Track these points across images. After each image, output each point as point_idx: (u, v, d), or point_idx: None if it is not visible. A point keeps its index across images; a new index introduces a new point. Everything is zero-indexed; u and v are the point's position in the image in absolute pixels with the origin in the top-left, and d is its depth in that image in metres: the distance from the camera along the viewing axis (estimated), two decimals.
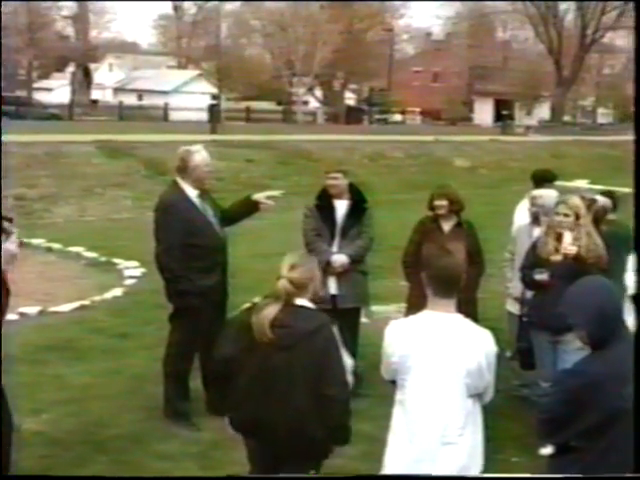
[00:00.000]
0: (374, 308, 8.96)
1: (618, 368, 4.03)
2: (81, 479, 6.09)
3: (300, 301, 4.64)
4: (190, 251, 7.00)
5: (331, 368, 4.51)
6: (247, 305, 4.84)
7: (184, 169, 7.15)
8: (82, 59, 56.84)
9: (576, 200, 7.06)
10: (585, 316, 4.10)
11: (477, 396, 4.40)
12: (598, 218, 7.71)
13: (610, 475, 4.13)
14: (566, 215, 6.83)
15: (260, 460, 4.90)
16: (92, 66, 63.44)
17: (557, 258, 6.83)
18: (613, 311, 4.10)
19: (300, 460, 4.68)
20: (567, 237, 6.79)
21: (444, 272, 4.36)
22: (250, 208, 7.68)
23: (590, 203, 7.70)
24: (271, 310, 4.59)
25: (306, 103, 67.99)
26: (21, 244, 6.26)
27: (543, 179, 9.06)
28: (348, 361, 4.71)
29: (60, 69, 73.78)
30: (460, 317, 4.41)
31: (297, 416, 4.55)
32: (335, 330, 4.67)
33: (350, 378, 4.70)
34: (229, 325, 5.04)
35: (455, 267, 4.41)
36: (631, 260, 7.65)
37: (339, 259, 7.84)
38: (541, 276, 6.87)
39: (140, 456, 6.60)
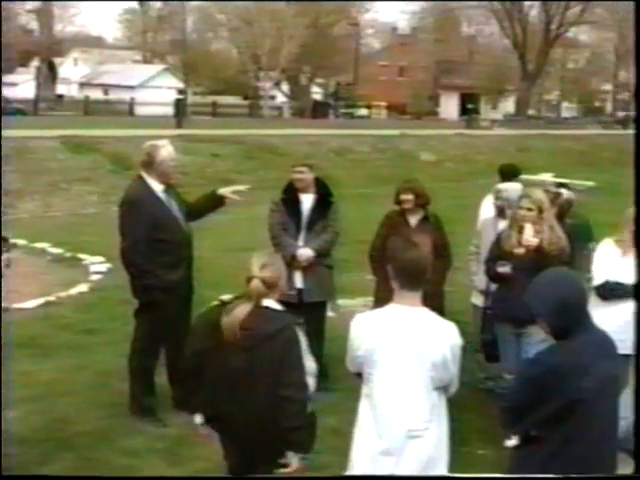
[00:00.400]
0: (340, 302, 8.99)
1: (578, 359, 4.06)
2: (81, 479, 6.07)
3: (267, 302, 4.64)
4: (155, 246, 6.97)
5: (289, 369, 4.50)
6: (216, 302, 4.84)
7: (150, 164, 7.12)
8: (47, 53, 56.31)
9: (539, 194, 7.11)
10: (547, 307, 4.14)
11: (442, 389, 4.42)
12: (562, 212, 7.79)
13: (610, 475, 4.18)
14: (529, 209, 6.88)
15: (232, 456, 4.90)
16: (57, 60, 62.87)
17: (520, 251, 6.87)
18: (575, 302, 4.11)
19: (270, 458, 4.68)
20: (528, 230, 6.83)
21: (410, 265, 4.36)
22: (216, 203, 7.66)
23: (554, 197, 7.76)
24: (242, 310, 4.59)
25: (273, 98, 67.85)
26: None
27: (510, 173, 9.16)
28: (311, 364, 4.69)
29: (24, 64, 73.11)
30: (425, 310, 4.42)
31: (257, 417, 4.57)
32: (300, 332, 4.66)
33: (312, 381, 4.69)
34: (198, 321, 5.02)
35: (421, 260, 4.40)
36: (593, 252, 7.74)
37: (305, 253, 7.84)
38: (504, 269, 6.91)
39: (106, 452, 6.57)
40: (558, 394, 4.03)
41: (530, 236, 6.80)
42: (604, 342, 4.21)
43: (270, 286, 4.61)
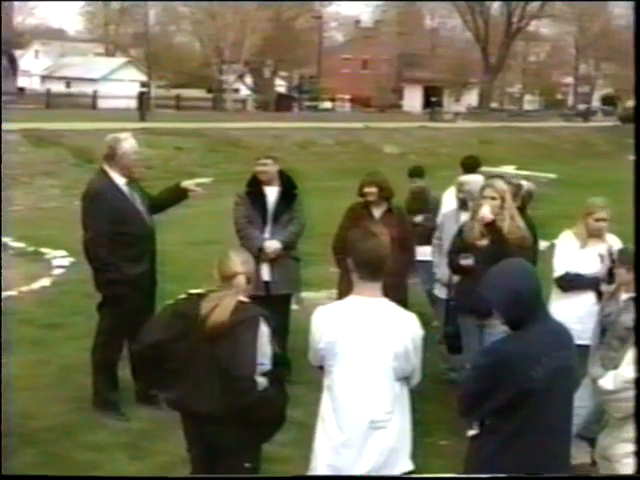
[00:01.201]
0: (304, 295, 9.00)
1: (529, 349, 4.09)
2: (81, 479, 6.03)
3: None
4: (118, 239, 6.95)
5: (238, 349, 4.53)
6: (183, 296, 4.86)
7: (112, 157, 7.08)
8: (7, 46, 55.64)
9: (502, 184, 7.17)
10: (500, 297, 4.18)
11: (404, 380, 4.44)
12: (523, 203, 7.86)
13: (610, 475, 4.22)
14: (493, 198, 6.92)
15: (195, 448, 4.90)
16: (17, 53, 62.23)
17: (483, 243, 6.92)
18: (528, 293, 4.13)
19: (233, 450, 4.69)
20: (485, 208, 6.87)
21: (368, 255, 4.36)
22: (179, 195, 7.64)
23: (516, 189, 7.83)
24: (229, 304, 4.62)
25: (236, 91, 67.66)
26: None
27: (472, 166, 9.27)
28: (267, 349, 4.70)
29: None
30: (386, 301, 4.43)
31: (219, 407, 4.57)
32: (263, 321, 4.68)
33: (267, 362, 4.70)
34: (162, 312, 5.03)
35: (379, 250, 4.39)
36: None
37: (271, 245, 7.85)
38: (467, 261, 6.95)
39: (68, 447, 6.54)
40: (509, 383, 4.06)
41: (487, 212, 6.84)
42: (558, 333, 4.23)
43: (250, 281, 4.72)
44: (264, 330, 4.67)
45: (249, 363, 4.56)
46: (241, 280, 4.66)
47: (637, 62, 6.20)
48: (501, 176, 8.77)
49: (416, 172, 10.37)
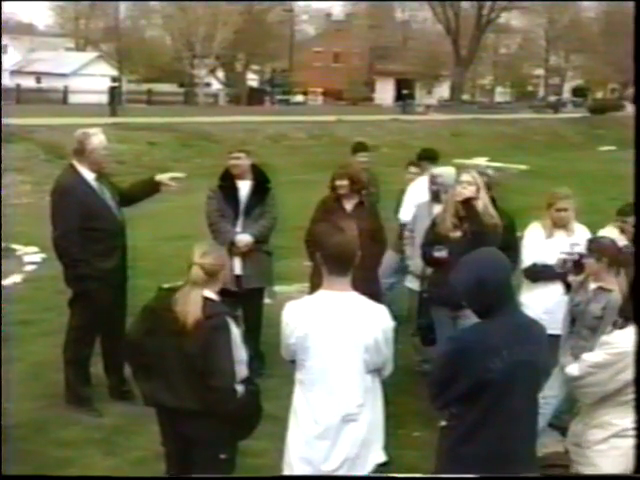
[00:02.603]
0: (277, 288, 8.99)
1: (488, 340, 4.10)
2: (81, 479, 5.99)
3: (207, 292, 4.63)
4: (88, 235, 6.91)
5: (215, 357, 4.51)
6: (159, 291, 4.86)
7: (81, 152, 7.04)
8: None
9: (474, 173, 7.22)
10: (465, 285, 4.20)
11: (376, 372, 4.46)
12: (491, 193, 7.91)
13: (611, 475, 4.23)
14: (469, 183, 6.96)
15: (169, 442, 4.90)
16: None
17: (456, 235, 6.95)
18: (493, 283, 4.12)
19: (206, 443, 4.70)
20: (459, 187, 6.92)
21: (336, 250, 4.36)
22: (151, 188, 7.62)
23: (488, 180, 7.87)
24: (180, 296, 4.60)
25: (208, 85, 67.46)
26: None
27: (428, 157, 9.34)
28: (242, 353, 4.71)
29: None
30: (355, 294, 4.44)
31: (189, 403, 4.58)
32: (231, 322, 4.66)
33: (244, 369, 4.71)
34: (142, 308, 5.01)
35: (347, 244, 4.39)
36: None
37: (243, 239, 7.85)
38: (440, 253, 6.98)
39: (42, 444, 6.51)
40: (467, 373, 4.08)
41: (464, 191, 6.88)
42: (525, 326, 4.22)
43: (210, 274, 4.62)
44: (235, 333, 4.66)
45: (227, 373, 4.54)
46: (196, 271, 4.59)
47: (637, 62, 6.24)
48: (475, 168, 8.81)
49: (360, 147, 10.29)
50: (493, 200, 7.55)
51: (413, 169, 9.45)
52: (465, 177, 7.07)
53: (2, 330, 8.50)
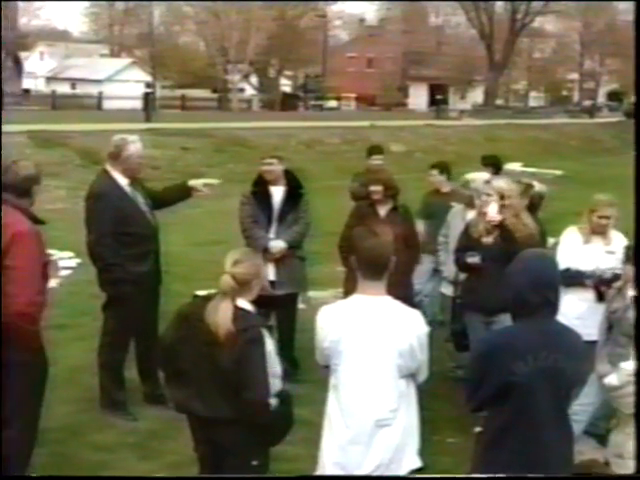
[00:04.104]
0: (311, 294, 8.99)
1: (516, 343, 4.08)
2: (81, 479, 6.03)
3: (240, 302, 4.56)
4: (122, 239, 6.96)
5: (250, 371, 4.46)
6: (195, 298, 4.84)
7: (116, 157, 7.09)
8: (12, 47, 55.65)
9: (501, 182, 7.19)
10: (507, 287, 4.17)
11: (410, 377, 4.45)
12: (534, 204, 7.85)
13: (611, 475, 4.20)
14: (489, 195, 6.96)
15: (201, 448, 4.90)
16: (22, 55, 62.25)
17: (489, 240, 6.93)
18: (525, 287, 4.07)
19: (238, 449, 4.69)
20: (492, 207, 6.89)
21: (370, 254, 4.36)
22: (184, 193, 7.65)
23: (525, 188, 7.82)
24: (212, 306, 4.55)
25: (242, 90, 67.68)
26: None
27: (492, 164, 9.33)
28: (276, 367, 4.67)
29: None
30: (389, 299, 4.43)
31: (221, 413, 4.56)
32: (266, 333, 4.62)
33: (278, 383, 4.67)
34: (175, 314, 5.00)
35: (381, 248, 4.39)
36: None
37: (277, 245, 7.85)
38: (473, 259, 6.95)
39: (77, 448, 6.55)
40: (493, 375, 4.06)
41: (494, 212, 6.85)
42: (554, 333, 4.16)
43: (241, 283, 4.52)
44: (270, 345, 4.62)
45: (262, 387, 4.50)
46: (226, 280, 4.50)
47: (637, 62, 6.20)
48: (512, 175, 8.80)
49: (375, 150, 10.35)
50: (531, 208, 7.53)
51: (434, 172, 9.44)
52: (485, 189, 7.05)
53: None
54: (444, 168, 9.50)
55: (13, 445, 5.51)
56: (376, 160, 9.89)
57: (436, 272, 8.96)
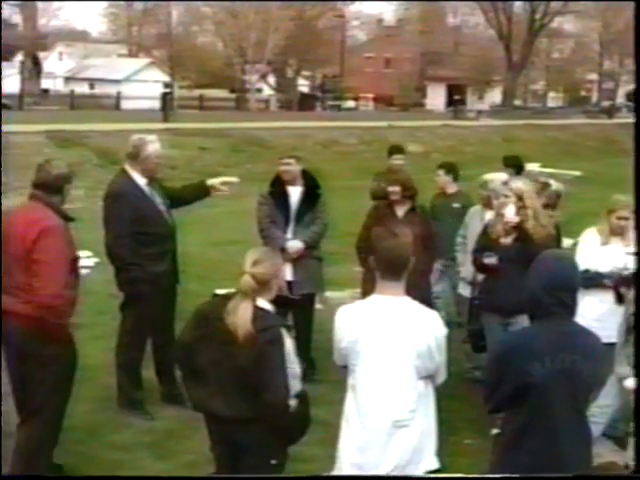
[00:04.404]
0: (328, 294, 9.00)
1: (533, 344, 4.06)
2: (80, 479, 6.04)
3: (259, 302, 4.56)
4: (140, 239, 6.98)
5: (269, 372, 4.46)
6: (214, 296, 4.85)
7: (135, 157, 7.11)
8: (31, 48, 55.96)
9: (519, 183, 7.16)
10: (527, 287, 4.15)
11: (429, 378, 4.43)
12: (551, 203, 7.81)
13: (609, 475, 4.18)
14: (506, 196, 6.94)
15: (218, 447, 4.90)
16: (41, 55, 62.50)
17: (507, 241, 6.90)
18: (542, 288, 4.07)
19: (256, 449, 4.69)
20: (510, 209, 6.87)
21: (389, 254, 4.35)
22: (202, 192, 7.67)
23: (542, 187, 7.79)
24: (232, 305, 4.55)
25: (259, 90, 67.73)
26: None
27: (515, 165, 9.30)
28: (295, 367, 4.67)
29: (8, 58, 72.67)
30: (408, 300, 4.42)
31: (239, 412, 4.56)
32: (285, 334, 4.63)
33: (297, 384, 4.67)
34: (193, 313, 5.00)
35: (400, 249, 4.38)
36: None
37: (294, 245, 7.86)
38: (490, 260, 6.93)
39: (95, 447, 6.57)
40: (510, 376, 4.05)
41: (512, 213, 6.83)
42: (572, 335, 4.14)
43: (261, 283, 4.53)
44: (289, 346, 4.61)
45: (281, 387, 4.50)
46: (247, 281, 4.51)
47: (637, 62, 6.17)
48: (529, 175, 8.77)
49: (395, 150, 10.26)
50: (548, 206, 7.49)
51: (440, 172, 9.42)
52: (503, 190, 7.03)
53: None
54: (451, 168, 9.48)
55: (34, 439, 5.61)
56: (397, 160, 9.84)
57: (443, 273, 8.94)
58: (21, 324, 5.47)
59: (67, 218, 5.77)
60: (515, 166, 9.28)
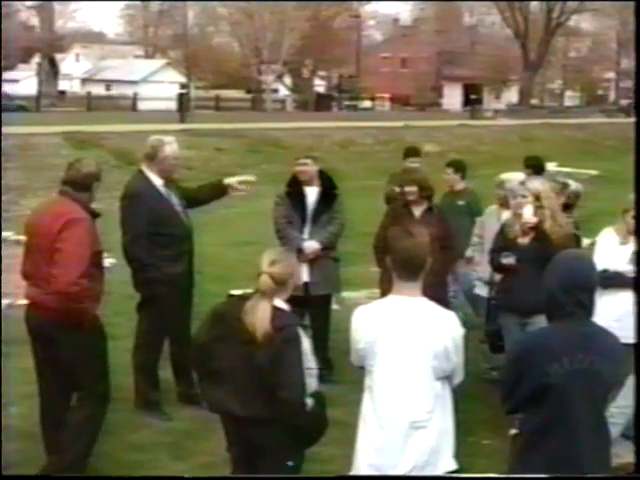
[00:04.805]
0: (345, 294, 8.98)
1: (551, 345, 4.04)
2: (81, 479, 6.07)
3: (276, 301, 4.58)
4: (157, 240, 6.99)
5: (286, 370, 4.47)
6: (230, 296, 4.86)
7: (152, 158, 7.13)
8: (48, 49, 56.20)
9: (536, 183, 7.12)
10: (544, 287, 4.13)
11: (446, 379, 4.41)
12: (570, 203, 7.78)
13: (608, 475, 4.15)
14: (524, 197, 6.91)
15: (235, 448, 4.90)
16: (58, 56, 62.84)
17: (524, 241, 6.88)
18: (560, 288, 4.04)
19: (273, 450, 4.69)
20: (527, 209, 6.85)
21: (406, 254, 4.34)
22: (219, 192, 7.69)
23: (561, 188, 7.76)
24: (250, 305, 4.56)
25: (275, 91, 67.82)
26: None
27: (536, 166, 9.26)
28: (312, 366, 4.67)
29: (26, 60, 73.10)
30: (425, 300, 4.40)
31: (256, 412, 4.56)
32: (302, 332, 4.63)
33: (314, 383, 4.68)
34: (207, 315, 5.01)
35: (417, 249, 4.36)
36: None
37: (310, 246, 7.85)
38: (508, 260, 6.90)
39: (112, 447, 6.56)
40: (528, 376, 4.03)
41: (529, 214, 6.81)
42: (591, 335, 4.11)
43: (279, 283, 4.56)
44: (306, 345, 4.62)
45: (298, 386, 4.51)
46: (265, 281, 4.53)
47: (637, 61, 6.13)
48: (547, 174, 8.74)
49: (412, 152, 10.18)
50: (567, 206, 7.46)
51: (449, 171, 9.40)
52: (520, 190, 7.00)
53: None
54: (458, 166, 9.46)
55: (87, 419, 5.96)
56: (412, 163, 9.79)
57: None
58: (46, 314, 5.73)
59: (94, 214, 5.96)
60: (535, 167, 9.24)
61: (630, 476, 4.64)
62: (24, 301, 10.53)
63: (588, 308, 4.10)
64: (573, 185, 8.00)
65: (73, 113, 44.70)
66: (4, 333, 9.19)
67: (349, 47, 73.17)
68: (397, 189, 8.86)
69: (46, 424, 6.12)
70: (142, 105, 53.44)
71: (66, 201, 5.89)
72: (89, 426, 5.95)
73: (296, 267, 4.85)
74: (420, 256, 4.37)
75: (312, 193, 8.00)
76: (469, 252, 8.70)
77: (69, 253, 5.60)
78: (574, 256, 4.40)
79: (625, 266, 6.70)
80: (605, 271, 6.77)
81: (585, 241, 8.45)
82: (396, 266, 4.38)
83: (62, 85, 62.77)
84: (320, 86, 77.57)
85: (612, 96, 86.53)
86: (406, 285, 4.38)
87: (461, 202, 9.01)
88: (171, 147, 7.18)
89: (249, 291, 4.67)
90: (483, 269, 8.07)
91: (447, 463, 4.44)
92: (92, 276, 5.76)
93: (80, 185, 5.93)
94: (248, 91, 68.62)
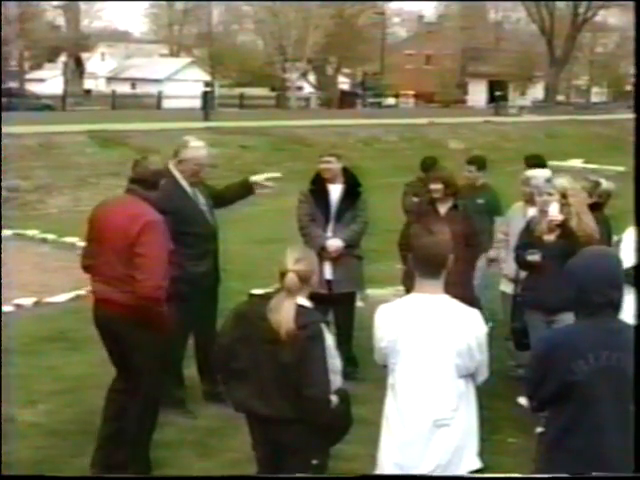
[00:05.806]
0: (369, 292, 8.95)
1: (576, 342, 4.00)
2: (81, 479, 6.08)
3: (299, 299, 4.59)
4: (181, 239, 6.96)
5: (310, 368, 4.46)
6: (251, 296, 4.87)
7: (175, 157, 7.14)
8: (74, 49, 56.52)
9: (562, 180, 7.08)
10: (567, 284, 4.11)
11: (470, 377, 4.39)
12: (601, 202, 7.72)
13: (608, 475, 4.11)
14: (549, 194, 6.87)
15: (260, 447, 4.90)
16: (84, 55, 63.16)
17: (550, 238, 6.84)
18: (586, 285, 4.00)
19: (298, 449, 4.68)
20: (553, 207, 6.81)
21: (426, 252, 4.32)
22: (245, 190, 7.69)
23: (593, 186, 7.71)
24: (276, 304, 4.56)
25: (300, 88, 67.86)
26: None
27: (535, 163, 9.17)
28: (336, 362, 4.66)
29: (52, 59, 73.57)
30: (447, 298, 4.38)
31: (281, 411, 4.56)
32: (325, 329, 4.63)
33: (337, 379, 4.67)
34: (229, 314, 5.02)
35: (437, 247, 4.34)
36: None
37: (334, 244, 7.83)
38: (533, 257, 6.87)
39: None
40: (554, 374, 3.99)
41: (555, 211, 6.77)
42: (616, 332, 4.05)
43: (304, 280, 4.57)
44: (329, 341, 4.62)
45: (322, 383, 4.51)
46: (292, 279, 4.52)
47: (637, 62, 6.06)
48: (578, 173, 8.67)
49: (429, 165, 9.71)
50: (597, 205, 7.41)
51: (472, 168, 9.33)
52: (546, 187, 6.96)
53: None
54: (481, 165, 9.38)
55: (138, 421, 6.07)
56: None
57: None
58: (118, 311, 5.82)
59: (163, 212, 6.02)
60: (537, 165, 9.15)
61: (630, 476, 4.60)
62: (52, 299, 10.58)
63: (615, 305, 4.06)
64: (605, 184, 7.94)
65: (98, 112, 44.92)
66: (32, 332, 9.27)
67: (373, 44, 73.05)
68: (415, 199, 8.83)
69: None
70: (167, 103, 53.60)
71: (137, 200, 5.93)
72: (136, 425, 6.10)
73: (317, 264, 4.87)
74: (440, 254, 4.35)
75: (336, 191, 7.98)
76: (492, 253, 8.65)
77: (152, 258, 5.71)
78: (602, 253, 4.37)
79: None
80: (631, 269, 6.71)
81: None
82: (417, 264, 4.37)
83: (87, 84, 63.12)
84: (344, 83, 77.54)
85: None
86: (427, 283, 4.36)
87: (481, 200, 8.93)
88: (194, 152, 7.16)
89: (270, 290, 4.68)
90: (508, 266, 8.03)
91: (471, 461, 4.42)
92: (167, 275, 5.88)
93: (148, 183, 5.97)
94: (272, 89, 68.68)
